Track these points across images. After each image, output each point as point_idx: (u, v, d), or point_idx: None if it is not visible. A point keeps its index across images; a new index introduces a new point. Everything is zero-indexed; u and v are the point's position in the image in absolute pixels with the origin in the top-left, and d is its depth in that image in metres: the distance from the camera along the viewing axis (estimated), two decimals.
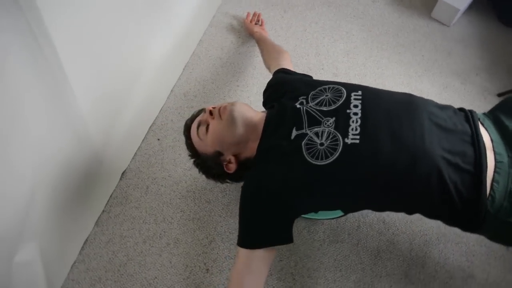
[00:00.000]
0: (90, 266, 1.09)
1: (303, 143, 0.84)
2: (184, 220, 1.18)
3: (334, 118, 0.86)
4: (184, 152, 1.29)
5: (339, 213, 1.16)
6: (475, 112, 0.94)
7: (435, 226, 1.24)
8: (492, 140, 0.88)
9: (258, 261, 0.87)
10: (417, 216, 1.24)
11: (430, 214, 0.90)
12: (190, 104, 1.39)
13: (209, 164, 1.02)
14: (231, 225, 1.18)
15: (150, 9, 1.29)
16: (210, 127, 0.96)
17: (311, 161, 0.82)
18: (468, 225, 0.87)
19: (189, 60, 1.50)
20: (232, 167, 0.98)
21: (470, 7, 1.72)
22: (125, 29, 1.18)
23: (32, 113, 0.86)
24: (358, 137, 0.82)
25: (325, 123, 0.86)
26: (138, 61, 1.31)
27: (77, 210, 1.11)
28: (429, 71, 1.56)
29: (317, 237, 1.19)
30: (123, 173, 1.24)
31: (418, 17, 1.72)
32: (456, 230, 1.22)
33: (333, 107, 0.88)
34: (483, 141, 0.86)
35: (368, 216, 1.24)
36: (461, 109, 0.95)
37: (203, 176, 1.24)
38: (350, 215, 1.22)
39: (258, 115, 0.96)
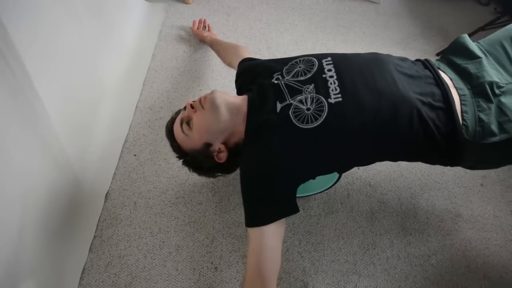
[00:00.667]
0: None
1: (290, 112, 0.88)
2: (180, 226, 1.16)
3: (313, 85, 0.90)
4: (164, 162, 1.28)
5: (328, 183, 1.20)
6: (429, 59, 1.03)
7: (416, 179, 1.32)
8: (451, 79, 0.97)
9: (271, 236, 0.87)
10: (399, 173, 1.32)
11: (416, 156, 0.96)
12: (158, 116, 1.38)
13: (199, 159, 1.01)
14: (228, 220, 1.18)
15: (99, 35, 1.29)
16: (194, 120, 0.96)
17: (301, 126, 0.85)
18: (451, 158, 0.94)
19: (146, 76, 1.49)
20: (223, 156, 0.98)
21: None
22: (82, 57, 1.18)
23: (11, 141, 0.82)
24: (340, 95, 0.87)
25: (306, 90, 0.90)
26: (98, 84, 1.30)
27: (68, 240, 1.05)
28: (373, 44, 1.68)
29: (313, 213, 1.22)
30: (106, 195, 1.19)
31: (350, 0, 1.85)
32: (436, 177, 1.32)
33: (308, 75, 0.92)
34: (445, 81, 0.95)
35: (354, 183, 1.29)
36: (417, 60, 1.04)
37: (190, 180, 1.24)
38: (337, 186, 1.27)
39: (239, 98, 0.98)
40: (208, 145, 0.98)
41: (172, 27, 1.67)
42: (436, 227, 1.22)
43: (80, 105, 1.17)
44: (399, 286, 1.11)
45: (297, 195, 1.21)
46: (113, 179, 1.23)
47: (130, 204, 1.18)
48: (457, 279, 1.13)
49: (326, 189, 1.22)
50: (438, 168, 1.35)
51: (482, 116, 0.91)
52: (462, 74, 0.99)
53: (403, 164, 1.35)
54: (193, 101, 0.97)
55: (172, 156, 1.27)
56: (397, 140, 0.89)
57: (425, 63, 1.00)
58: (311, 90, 0.89)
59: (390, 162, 1.33)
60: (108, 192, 1.20)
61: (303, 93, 0.89)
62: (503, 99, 0.92)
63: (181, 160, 1.06)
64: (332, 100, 0.87)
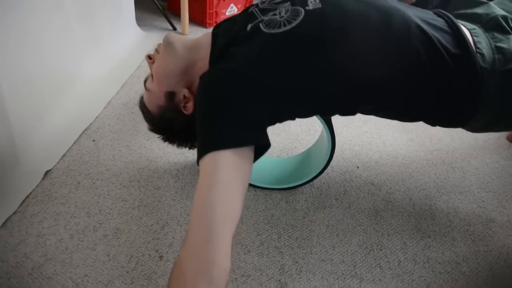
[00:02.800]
0: None
1: (261, 24, 0.74)
2: (127, 209, 0.91)
3: (289, 2, 0.77)
4: (125, 148, 1.09)
5: (313, 171, 0.96)
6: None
7: (430, 181, 1.06)
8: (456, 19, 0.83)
9: (227, 167, 0.63)
10: (408, 174, 1.09)
11: (414, 87, 0.75)
12: (131, 111, 1.24)
13: (167, 117, 0.83)
14: (188, 207, 0.93)
15: (84, 38, 1.29)
16: (153, 70, 0.83)
17: (271, 31, 0.70)
18: (466, 92, 0.73)
19: (127, 80, 1.41)
20: (190, 106, 0.80)
21: None
22: (63, 41, 1.15)
23: None
24: (320, 3, 0.73)
25: (281, 6, 0.77)
26: (72, 74, 1.23)
27: None
28: None
29: (299, 206, 0.96)
30: (47, 172, 0.98)
31: None
32: (455, 181, 1.07)
33: None
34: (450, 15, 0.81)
35: (352, 181, 1.04)
36: None
37: (151, 165, 1.05)
38: (331, 182, 1.02)
39: (201, 36, 0.85)
40: (171, 95, 0.81)
41: None
42: (462, 231, 0.92)
43: (47, 85, 1.07)
44: None
45: (276, 187, 0.99)
46: (61, 159, 1.03)
47: (73, 183, 0.96)
48: None
49: (311, 179, 0.98)
50: (457, 172, 1.10)
51: (500, 44, 0.73)
52: (470, 18, 0.85)
53: (412, 165, 1.11)
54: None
55: (135, 143, 1.11)
56: (389, 57, 0.71)
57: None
58: (287, 5, 0.76)
59: (393, 159, 1.12)
60: (50, 170, 0.99)
61: (278, 9, 0.76)
62: None
63: (153, 130, 0.89)
64: (310, 7, 0.73)
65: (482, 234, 0.92)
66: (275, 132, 1.19)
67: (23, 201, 0.90)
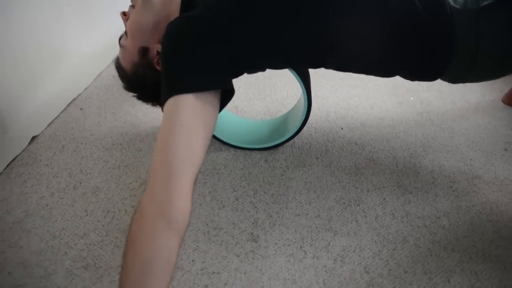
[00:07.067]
0: None
1: None
2: (108, 169, 0.93)
3: None
4: (111, 115, 1.11)
5: (290, 132, 0.96)
6: None
7: (416, 141, 1.04)
8: None
9: (188, 112, 0.63)
10: (394, 134, 1.07)
11: (390, 38, 0.73)
12: (119, 82, 1.25)
13: (140, 73, 0.84)
14: None
15: (77, 7, 1.30)
16: (127, 25, 0.84)
17: None
18: (440, 33, 0.71)
19: None
20: None
21: None
22: (52, 14, 1.16)
23: None
24: None
25: None
26: (62, 48, 1.24)
27: None
28: None
29: (278, 165, 0.95)
30: (33, 138, 1.01)
31: None
32: (443, 140, 1.04)
33: None
34: None
35: (335, 141, 1.03)
36: None
37: (135, 130, 1.06)
38: (312, 142, 1.01)
39: None
40: (144, 50, 0.81)
41: None
42: (445, 187, 0.90)
43: (34, 56, 1.09)
44: (394, 248, 0.77)
45: (256, 146, 0.98)
46: (48, 126, 1.06)
47: (58, 147, 0.99)
48: (482, 246, 0.77)
49: (289, 139, 0.97)
50: (445, 132, 1.07)
51: None
52: None
53: (399, 127, 1.09)
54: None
55: (120, 110, 1.13)
56: (358, 4, 0.69)
57: None
58: None
59: (379, 120, 1.10)
60: (37, 136, 1.02)
61: None
62: None
63: (127, 88, 0.91)
64: None
65: (466, 190, 0.90)
66: (261, 97, 1.18)
67: (9, 164, 0.93)
